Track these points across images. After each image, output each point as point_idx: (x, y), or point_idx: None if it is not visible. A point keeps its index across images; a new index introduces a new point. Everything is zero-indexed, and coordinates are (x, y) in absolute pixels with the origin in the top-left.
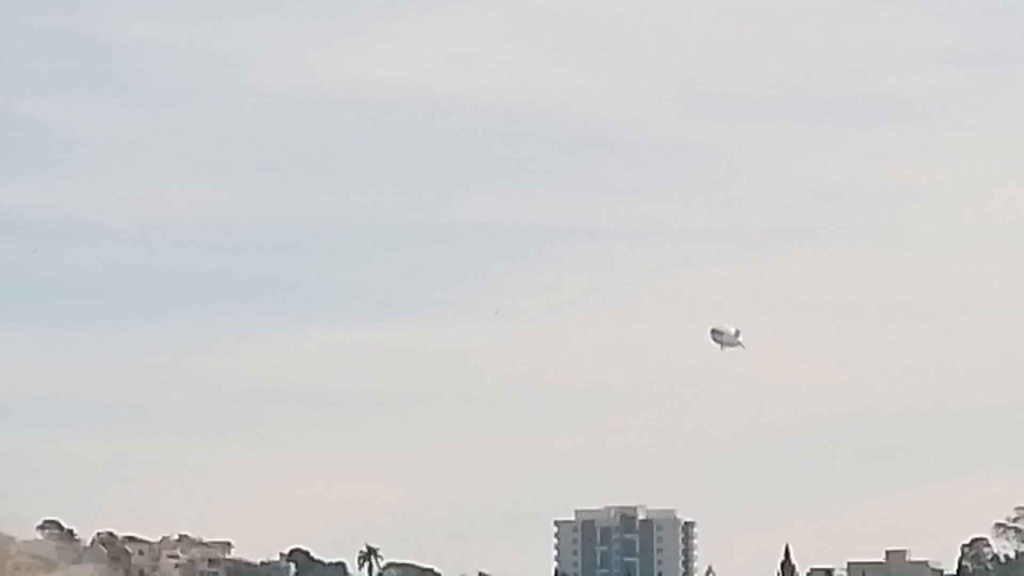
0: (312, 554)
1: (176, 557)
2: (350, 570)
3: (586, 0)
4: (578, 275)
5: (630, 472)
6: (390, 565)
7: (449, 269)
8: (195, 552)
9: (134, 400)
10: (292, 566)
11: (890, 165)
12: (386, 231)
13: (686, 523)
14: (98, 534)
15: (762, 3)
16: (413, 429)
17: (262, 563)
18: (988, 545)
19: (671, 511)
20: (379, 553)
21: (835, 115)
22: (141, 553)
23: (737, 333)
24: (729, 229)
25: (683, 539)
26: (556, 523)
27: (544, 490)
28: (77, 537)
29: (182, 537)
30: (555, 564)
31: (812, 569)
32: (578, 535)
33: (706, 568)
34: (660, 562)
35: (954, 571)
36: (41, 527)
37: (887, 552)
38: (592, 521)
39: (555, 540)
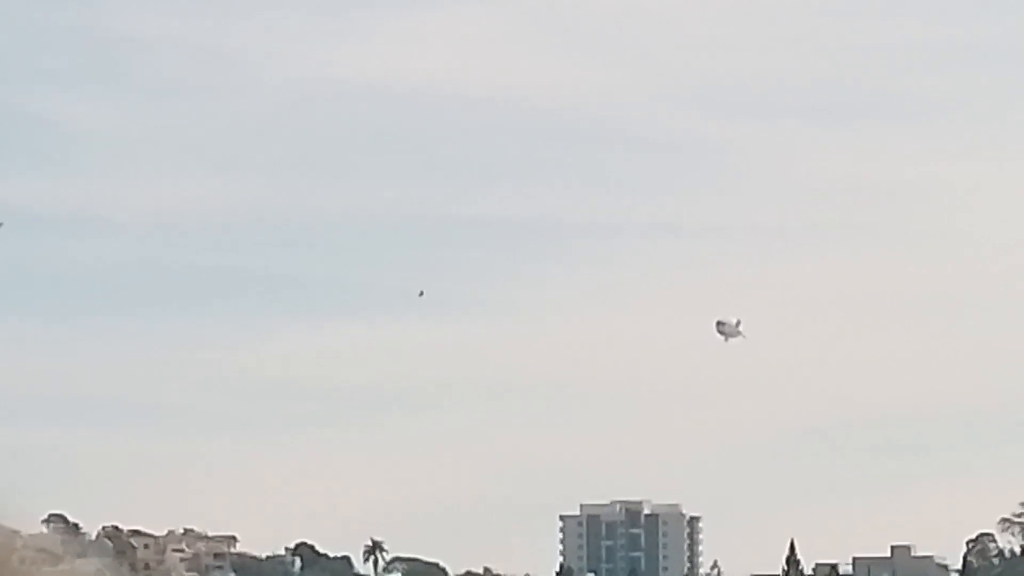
0: (317, 548)
1: (181, 551)
2: (355, 564)
3: None
4: (585, 271)
5: (635, 467)
6: (395, 559)
7: (457, 265)
8: (200, 546)
9: (140, 395)
10: (297, 560)
11: (898, 163)
12: (395, 227)
13: (691, 518)
14: (104, 528)
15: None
16: (419, 424)
17: (267, 557)
18: (993, 540)
19: (676, 506)
20: (384, 547)
21: (842, 113)
22: (147, 547)
23: (738, 323)
24: (737, 226)
25: (688, 534)
26: (562, 518)
27: (550, 485)
28: (83, 531)
29: (187, 531)
30: (560, 558)
31: (817, 564)
32: (583, 529)
33: (711, 563)
34: (665, 557)
35: (959, 566)
36: (47, 521)
37: (892, 547)
38: (598, 516)
39: (561, 535)
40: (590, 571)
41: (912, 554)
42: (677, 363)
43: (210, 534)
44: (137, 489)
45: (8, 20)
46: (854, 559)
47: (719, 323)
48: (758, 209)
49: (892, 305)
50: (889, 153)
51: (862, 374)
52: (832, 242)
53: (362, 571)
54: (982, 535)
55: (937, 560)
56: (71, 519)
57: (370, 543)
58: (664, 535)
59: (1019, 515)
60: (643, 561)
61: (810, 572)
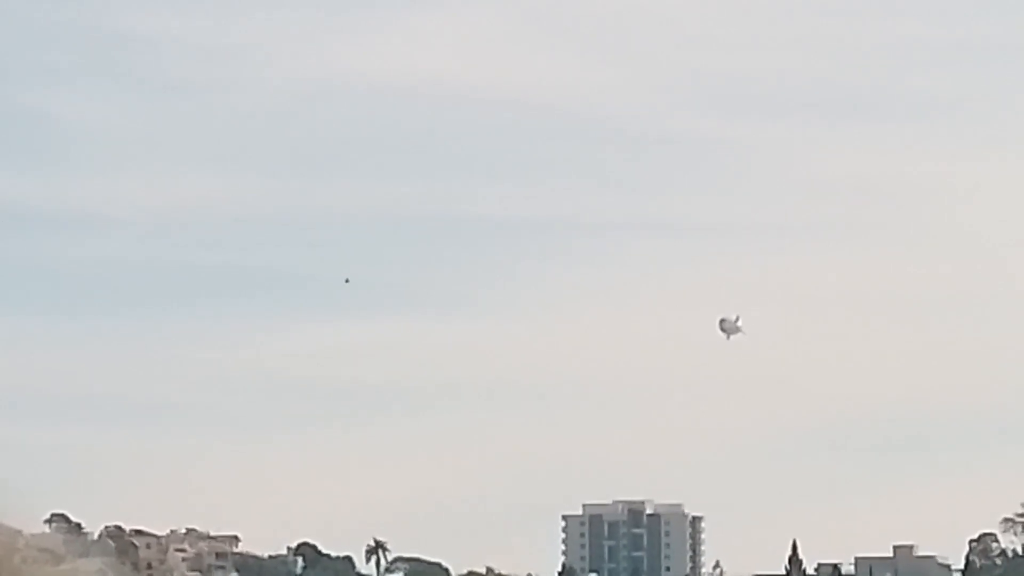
0: (320, 548)
1: (184, 550)
2: (357, 564)
3: None
4: (587, 270)
5: (638, 467)
6: (397, 559)
7: (459, 263)
8: (203, 546)
9: (142, 394)
10: (300, 560)
11: (902, 161)
12: (398, 225)
13: (694, 518)
14: (106, 527)
15: None
16: (420, 423)
17: (270, 557)
18: (996, 540)
19: (679, 505)
20: (387, 547)
21: (845, 110)
22: (149, 546)
23: (737, 319)
24: (740, 224)
25: (691, 534)
26: (564, 517)
27: (552, 485)
28: (85, 530)
29: (190, 530)
30: (562, 558)
31: (819, 564)
32: (585, 529)
33: (713, 562)
34: (668, 556)
35: (962, 566)
36: (48, 520)
37: (894, 547)
38: (600, 515)
39: (563, 534)
40: (592, 571)
41: (914, 554)
42: (679, 362)
43: (212, 534)
44: (139, 489)
45: (9, 16)
46: (856, 559)
47: (721, 321)
48: (759, 208)
49: (895, 304)
50: (891, 151)
51: (864, 373)
52: (834, 241)
53: (364, 571)
54: (985, 535)
55: (939, 560)
56: (73, 519)
57: (372, 543)
58: (667, 535)
59: (1022, 515)
60: (645, 561)
61: (812, 572)
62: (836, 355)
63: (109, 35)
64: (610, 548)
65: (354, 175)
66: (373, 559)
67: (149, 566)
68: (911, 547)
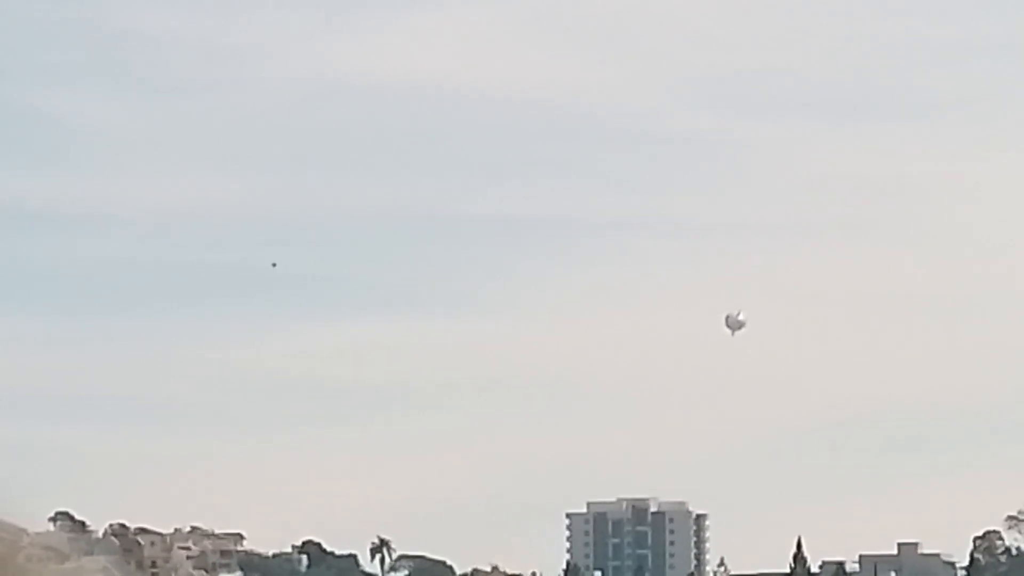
0: (324, 546)
1: (188, 549)
2: (362, 562)
3: None
4: (590, 268)
5: (642, 464)
6: (402, 557)
7: (460, 263)
8: (207, 544)
9: (146, 392)
10: (304, 558)
11: (904, 160)
12: (400, 224)
13: (698, 515)
14: (110, 526)
15: None
16: (425, 422)
17: (274, 555)
18: (1000, 538)
19: (683, 503)
20: (391, 545)
21: (847, 109)
22: (153, 545)
23: (739, 313)
24: (742, 223)
25: (695, 531)
26: (568, 515)
27: (556, 482)
28: (89, 529)
29: (194, 529)
30: (567, 556)
31: (824, 562)
32: (590, 527)
33: (718, 560)
34: (672, 555)
35: (966, 563)
36: (53, 519)
37: (899, 545)
38: (604, 513)
39: (567, 532)
40: (597, 568)
41: (919, 551)
42: (683, 360)
43: (217, 532)
44: (143, 487)
45: (10, 15)
46: (861, 557)
47: (726, 317)
48: (760, 207)
49: (898, 302)
50: (893, 150)
51: (868, 371)
52: (834, 240)
53: (369, 569)
54: (989, 532)
55: (944, 558)
56: (77, 517)
57: (377, 541)
58: (671, 533)
59: None
60: (650, 558)
61: (817, 570)
62: (840, 353)
63: (110, 35)
64: (614, 546)
65: (354, 175)
66: (377, 557)
67: (153, 564)
68: (915, 545)
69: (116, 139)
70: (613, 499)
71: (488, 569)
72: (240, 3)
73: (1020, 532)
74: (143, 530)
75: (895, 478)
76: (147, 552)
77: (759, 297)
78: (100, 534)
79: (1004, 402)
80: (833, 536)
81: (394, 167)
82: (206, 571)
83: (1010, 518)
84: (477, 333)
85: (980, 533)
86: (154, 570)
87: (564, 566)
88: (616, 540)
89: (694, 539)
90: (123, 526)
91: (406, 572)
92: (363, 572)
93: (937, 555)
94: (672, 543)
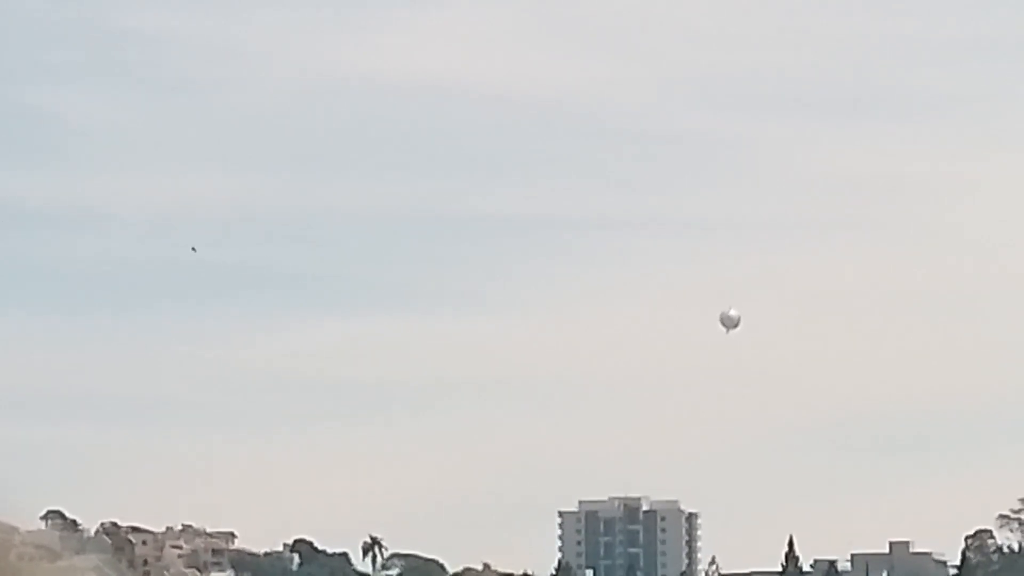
0: (316, 544)
1: (180, 547)
2: (354, 560)
3: None
4: (590, 268)
5: (634, 463)
6: (393, 556)
7: (460, 262)
8: (199, 542)
9: (139, 391)
10: (296, 556)
11: (905, 158)
12: (400, 223)
13: (690, 514)
14: (102, 524)
15: None
16: (418, 421)
17: (265, 553)
18: (992, 537)
19: (675, 502)
20: (383, 544)
21: (847, 108)
22: (145, 543)
23: (731, 309)
24: (740, 222)
25: (687, 530)
26: (560, 514)
27: (548, 481)
28: (81, 527)
29: (186, 527)
30: (559, 555)
31: (816, 560)
32: (582, 526)
33: (710, 559)
34: (664, 553)
35: (958, 562)
36: (44, 517)
37: (891, 543)
38: (596, 512)
39: (559, 531)
40: (588, 567)
41: (911, 550)
42: (676, 360)
43: (209, 530)
44: (135, 485)
45: (10, 15)
46: (852, 555)
47: (722, 315)
48: (760, 206)
49: (893, 301)
50: (893, 149)
51: (861, 370)
52: (834, 240)
53: (360, 567)
54: (980, 531)
55: (935, 556)
56: (69, 515)
57: (368, 539)
58: (663, 531)
59: (1018, 511)
60: (641, 557)
61: (809, 568)
62: (833, 352)
63: (111, 34)
64: (606, 545)
65: (354, 175)
66: (369, 556)
67: (145, 563)
68: (907, 543)
69: (116, 139)
70: (605, 498)
71: (480, 568)
72: (240, 3)
73: (1012, 531)
74: (135, 529)
75: (886, 477)
76: (139, 551)
77: (756, 296)
78: (92, 532)
79: (997, 401)
80: (825, 535)
81: (394, 167)
82: (198, 570)
83: (1002, 517)
84: (473, 333)
85: (972, 532)
86: (146, 568)
87: (556, 565)
88: (608, 539)
89: (686, 538)
90: (115, 524)
91: (398, 571)
92: (355, 571)
93: (929, 554)
94: (664, 542)
